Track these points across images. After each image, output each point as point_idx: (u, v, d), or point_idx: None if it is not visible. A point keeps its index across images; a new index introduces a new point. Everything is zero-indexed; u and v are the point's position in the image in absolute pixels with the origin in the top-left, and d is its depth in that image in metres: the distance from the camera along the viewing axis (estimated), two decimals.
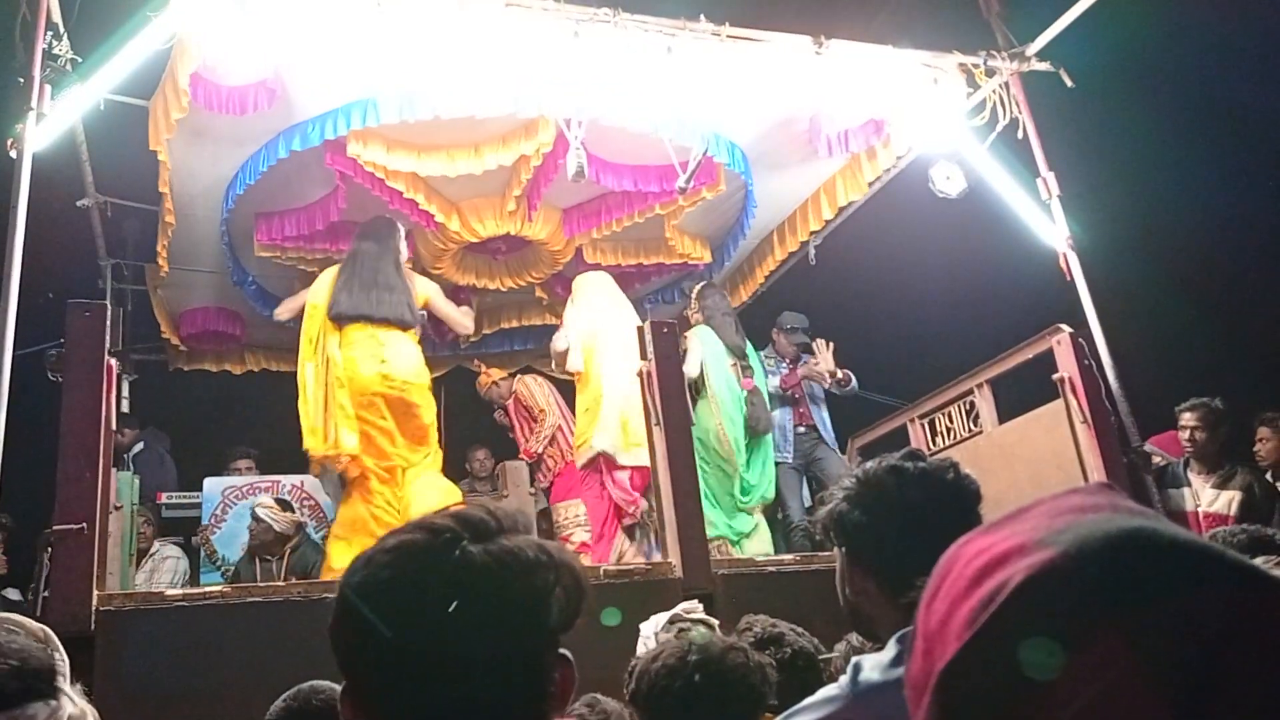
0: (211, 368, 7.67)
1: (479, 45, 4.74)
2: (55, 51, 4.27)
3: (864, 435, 6.83)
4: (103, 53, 4.34)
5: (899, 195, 6.47)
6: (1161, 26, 7.31)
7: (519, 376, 7.14)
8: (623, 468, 5.64)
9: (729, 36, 5.05)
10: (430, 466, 5.37)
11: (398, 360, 5.25)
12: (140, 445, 7.26)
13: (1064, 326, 5.15)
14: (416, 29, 4.65)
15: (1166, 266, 8.12)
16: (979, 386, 5.70)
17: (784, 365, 6.51)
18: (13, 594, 5.87)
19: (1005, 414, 5.59)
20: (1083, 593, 0.52)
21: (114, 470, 4.71)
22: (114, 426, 4.67)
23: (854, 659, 1.54)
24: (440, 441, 5.57)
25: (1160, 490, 5.06)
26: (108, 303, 4.44)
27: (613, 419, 5.58)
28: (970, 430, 5.80)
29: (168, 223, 5.65)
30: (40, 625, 1.50)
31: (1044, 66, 5.62)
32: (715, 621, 2.79)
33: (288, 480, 6.81)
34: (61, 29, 4.37)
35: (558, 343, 6.01)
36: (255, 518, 5.89)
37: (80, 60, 4.33)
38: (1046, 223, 5.59)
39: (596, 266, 6.83)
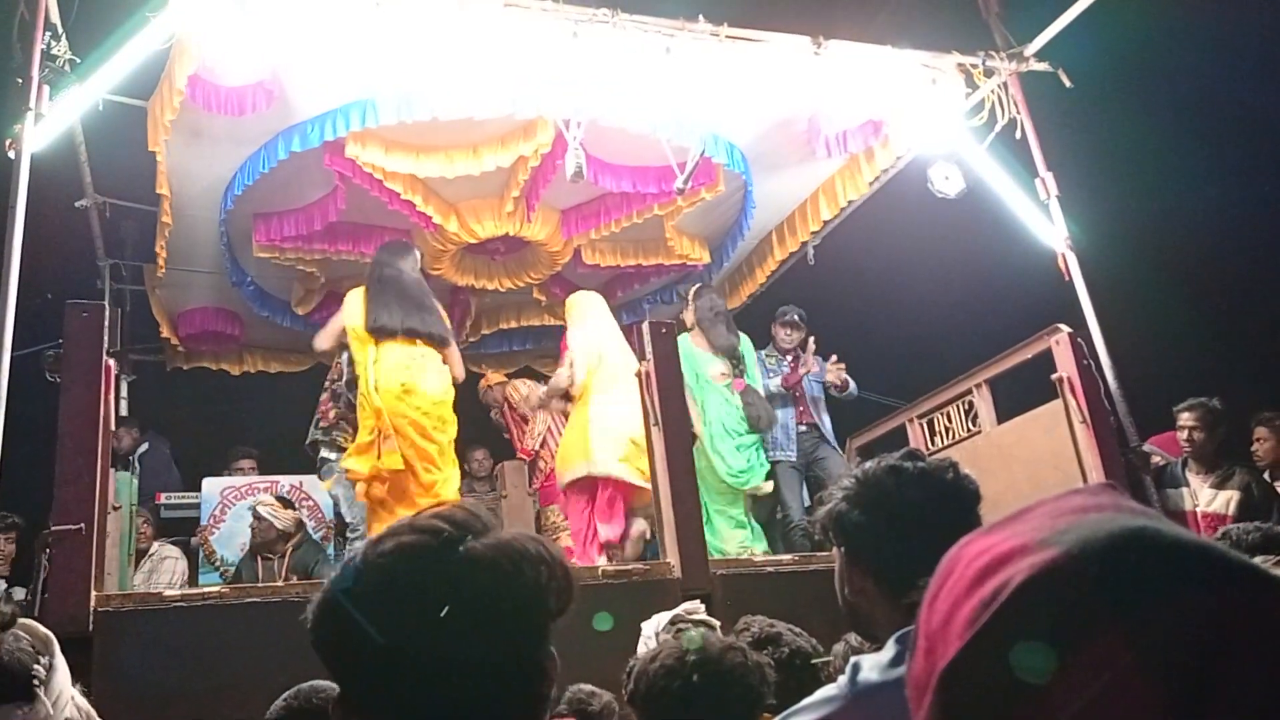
0: (210, 368, 7.67)
1: (477, 46, 4.74)
2: (54, 52, 4.27)
3: (863, 435, 6.83)
4: (101, 53, 4.34)
5: (898, 196, 6.48)
6: (1159, 27, 7.32)
7: (510, 381, 7.17)
8: (617, 488, 5.44)
9: (728, 37, 5.05)
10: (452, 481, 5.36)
11: (429, 378, 5.18)
12: (145, 445, 7.27)
13: (1062, 326, 5.15)
14: (415, 29, 4.65)
15: (1165, 266, 8.14)
16: (978, 386, 5.70)
17: (785, 363, 6.50)
18: (19, 593, 5.87)
19: (1004, 414, 5.60)
20: (1084, 593, 0.52)
21: (112, 471, 4.71)
22: (113, 427, 4.67)
23: (852, 659, 1.54)
24: None
25: (1159, 490, 5.07)
26: (106, 303, 4.43)
27: (608, 440, 5.42)
28: (969, 430, 5.80)
29: (165, 223, 5.65)
30: (46, 631, 1.53)
31: (1042, 67, 5.63)
32: (717, 623, 2.79)
33: (287, 480, 6.81)
34: (60, 29, 4.37)
35: (561, 380, 5.80)
36: (257, 516, 5.89)
37: (79, 61, 4.33)
38: (1045, 223, 5.59)
39: (595, 268, 6.84)
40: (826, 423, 6.46)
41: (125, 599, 3.94)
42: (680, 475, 4.58)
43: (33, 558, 5.69)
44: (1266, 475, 5.20)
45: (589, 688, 2.44)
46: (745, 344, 6.15)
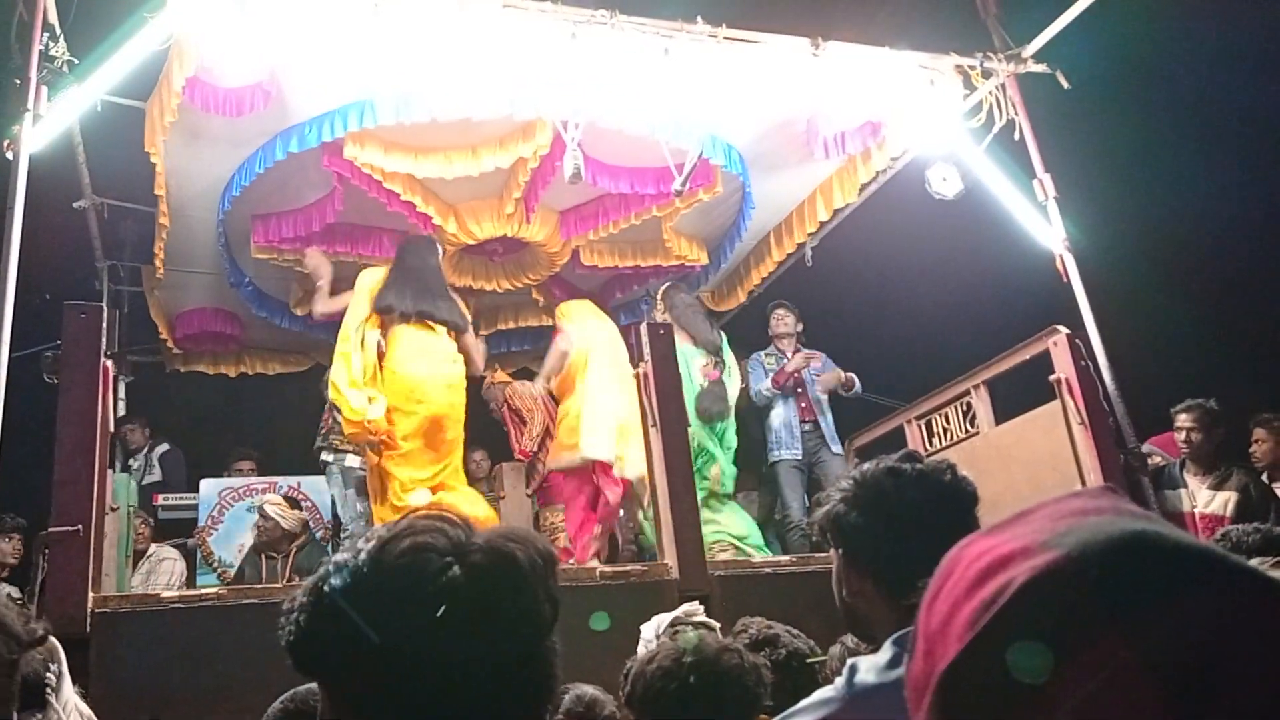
0: (208, 369, 7.66)
1: (476, 47, 4.74)
2: (52, 53, 4.26)
3: (861, 436, 6.83)
4: (99, 54, 4.33)
5: (896, 197, 6.48)
6: (1158, 28, 7.33)
7: (512, 382, 7.18)
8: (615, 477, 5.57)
9: (726, 38, 5.05)
10: (459, 482, 5.37)
11: (444, 364, 5.30)
12: (166, 445, 7.31)
13: (1061, 328, 5.15)
14: (413, 30, 4.64)
15: (1163, 267, 8.15)
16: (976, 388, 5.70)
17: (785, 358, 6.49)
18: (13, 591, 5.86)
19: (1002, 415, 5.60)
20: (1085, 595, 0.52)
21: (110, 472, 4.71)
22: (111, 428, 4.67)
23: (850, 660, 1.54)
24: None
25: (1156, 491, 5.07)
26: (104, 304, 4.43)
27: (602, 428, 5.53)
28: (967, 431, 5.80)
29: (163, 224, 5.64)
30: (53, 640, 1.54)
31: (1040, 68, 5.63)
32: (716, 625, 2.79)
33: (285, 481, 6.81)
34: (58, 30, 4.36)
35: (553, 362, 5.97)
36: (264, 514, 5.90)
37: (77, 62, 4.32)
38: (1043, 224, 5.60)
39: (593, 269, 6.84)
40: (830, 424, 6.45)
41: (123, 600, 3.94)
42: (678, 476, 4.58)
43: (31, 558, 5.69)
44: (1264, 476, 5.20)
45: (589, 696, 2.42)
46: (724, 344, 6.21)
